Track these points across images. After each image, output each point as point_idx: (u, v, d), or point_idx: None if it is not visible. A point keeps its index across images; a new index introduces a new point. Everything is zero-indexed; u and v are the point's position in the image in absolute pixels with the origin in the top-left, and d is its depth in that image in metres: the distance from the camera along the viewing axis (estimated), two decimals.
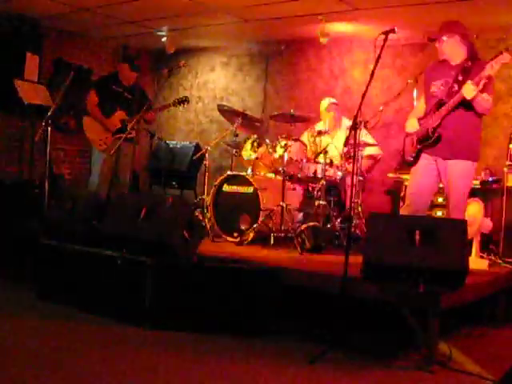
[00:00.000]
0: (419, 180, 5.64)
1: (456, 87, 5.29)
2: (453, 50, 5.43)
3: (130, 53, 7.77)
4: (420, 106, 5.75)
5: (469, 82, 5.12)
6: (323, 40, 8.17)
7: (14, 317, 5.02)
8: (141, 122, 7.19)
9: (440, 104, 5.40)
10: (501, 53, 5.06)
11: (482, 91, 5.16)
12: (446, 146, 5.41)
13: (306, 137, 7.57)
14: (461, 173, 5.41)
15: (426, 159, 5.56)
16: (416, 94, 7.17)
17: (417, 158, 5.61)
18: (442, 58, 5.54)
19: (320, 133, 7.16)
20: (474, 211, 5.95)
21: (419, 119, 5.61)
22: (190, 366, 4.12)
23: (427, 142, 5.49)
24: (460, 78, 5.29)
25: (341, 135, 7.58)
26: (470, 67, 5.28)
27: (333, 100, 7.97)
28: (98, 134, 7.47)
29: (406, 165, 5.86)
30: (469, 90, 5.10)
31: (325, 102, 7.93)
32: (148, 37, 9.64)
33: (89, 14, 8.67)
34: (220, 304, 4.90)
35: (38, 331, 4.70)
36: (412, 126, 5.67)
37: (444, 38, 5.40)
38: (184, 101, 7.33)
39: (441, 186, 5.65)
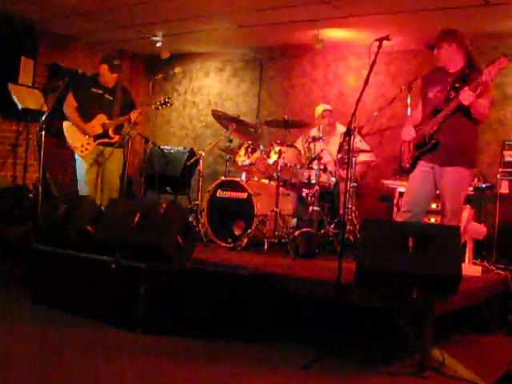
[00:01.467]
0: (416, 187, 5.64)
1: (453, 94, 5.32)
2: (450, 57, 5.46)
3: (109, 53, 7.45)
4: (417, 113, 5.77)
5: (466, 88, 5.17)
6: (319, 46, 8.19)
7: (7, 322, 5.01)
8: (126, 125, 7.07)
9: (437, 110, 5.43)
10: (498, 58, 5.11)
11: (478, 97, 5.20)
12: (442, 152, 5.44)
13: (300, 143, 7.59)
14: (457, 179, 5.42)
15: (422, 166, 5.57)
16: (410, 101, 7.19)
17: (414, 164, 5.63)
18: (439, 65, 5.57)
19: (314, 139, 7.17)
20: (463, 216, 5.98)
21: (415, 126, 5.63)
22: (183, 372, 4.12)
23: (424, 148, 5.51)
24: (457, 84, 5.33)
25: (335, 141, 7.59)
26: (468, 74, 5.33)
27: (327, 106, 7.99)
28: (79, 139, 7.19)
29: (403, 172, 5.88)
30: (466, 96, 5.13)
31: (319, 109, 7.96)
32: (143, 42, 9.65)
33: (84, 19, 8.68)
34: (213, 310, 4.89)
35: (31, 336, 4.70)
36: (408, 133, 5.68)
37: (442, 45, 5.44)
38: (166, 102, 7.24)
39: (437, 192, 5.66)
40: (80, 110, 7.26)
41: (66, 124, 7.32)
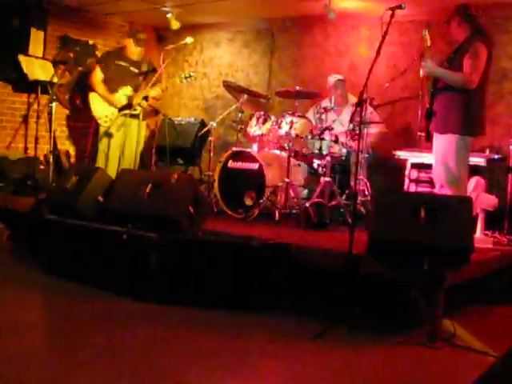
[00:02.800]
0: (433, 157, 5.89)
1: (447, 65, 5.63)
2: (453, 31, 5.75)
3: (134, 27, 7.61)
4: None
5: (427, 60, 5.62)
6: (331, 15, 8.09)
7: (20, 292, 5.06)
8: (148, 99, 7.16)
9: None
10: None
11: (448, 67, 5.59)
12: (434, 120, 5.67)
13: (311, 113, 7.56)
14: (443, 146, 5.62)
15: (433, 137, 5.79)
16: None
17: (428, 135, 5.82)
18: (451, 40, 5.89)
19: (326, 109, 7.13)
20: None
21: None
22: (194, 340, 4.15)
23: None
24: (452, 55, 5.64)
25: (347, 112, 7.56)
26: (462, 45, 5.61)
27: (339, 77, 7.93)
28: (104, 110, 7.40)
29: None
30: (421, 68, 5.69)
31: (332, 79, 7.89)
32: (153, 13, 9.58)
33: None
34: (225, 279, 4.92)
35: (44, 305, 4.74)
36: None
37: (448, 21, 5.75)
38: (189, 76, 7.32)
39: None
40: (106, 82, 7.47)
41: (91, 95, 7.55)
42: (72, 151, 9.96)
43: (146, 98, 7.15)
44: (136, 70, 7.50)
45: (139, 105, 7.09)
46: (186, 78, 7.32)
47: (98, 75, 7.49)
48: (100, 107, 7.41)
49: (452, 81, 5.55)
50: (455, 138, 5.56)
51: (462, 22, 5.65)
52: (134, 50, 7.53)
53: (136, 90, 7.39)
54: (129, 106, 7.29)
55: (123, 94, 7.39)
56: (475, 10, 5.63)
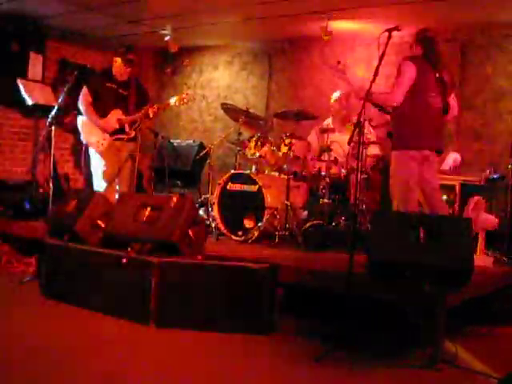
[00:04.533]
0: None
1: None
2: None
3: (122, 46, 7.28)
4: None
5: None
6: (327, 38, 8.12)
7: (19, 315, 5.03)
8: (142, 120, 7.02)
9: None
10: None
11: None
12: None
13: (313, 134, 7.54)
14: (391, 162, 5.86)
15: None
16: None
17: None
18: None
19: (323, 131, 7.14)
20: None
21: None
22: (195, 364, 4.13)
23: None
24: None
25: (348, 132, 7.55)
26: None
27: (342, 91, 7.87)
28: (95, 135, 7.10)
29: None
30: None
31: (336, 94, 7.79)
32: (152, 36, 9.62)
33: (92, 14, 8.67)
34: (225, 302, 4.89)
35: (43, 329, 4.71)
36: None
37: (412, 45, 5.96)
38: (184, 99, 7.18)
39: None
40: (95, 105, 7.16)
41: (80, 119, 7.25)
42: (71, 174, 9.97)
43: (139, 121, 7.01)
44: (125, 92, 7.20)
45: (134, 129, 7.00)
46: (182, 99, 7.14)
47: (86, 99, 7.16)
48: (91, 132, 7.13)
49: (380, 101, 5.89)
50: (396, 153, 5.78)
51: (416, 44, 5.83)
52: (122, 71, 7.16)
53: (126, 112, 7.13)
54: (120, 129, 7.13)
55: (114, 117, 7.10)
56: (433, 33, 5.85)
